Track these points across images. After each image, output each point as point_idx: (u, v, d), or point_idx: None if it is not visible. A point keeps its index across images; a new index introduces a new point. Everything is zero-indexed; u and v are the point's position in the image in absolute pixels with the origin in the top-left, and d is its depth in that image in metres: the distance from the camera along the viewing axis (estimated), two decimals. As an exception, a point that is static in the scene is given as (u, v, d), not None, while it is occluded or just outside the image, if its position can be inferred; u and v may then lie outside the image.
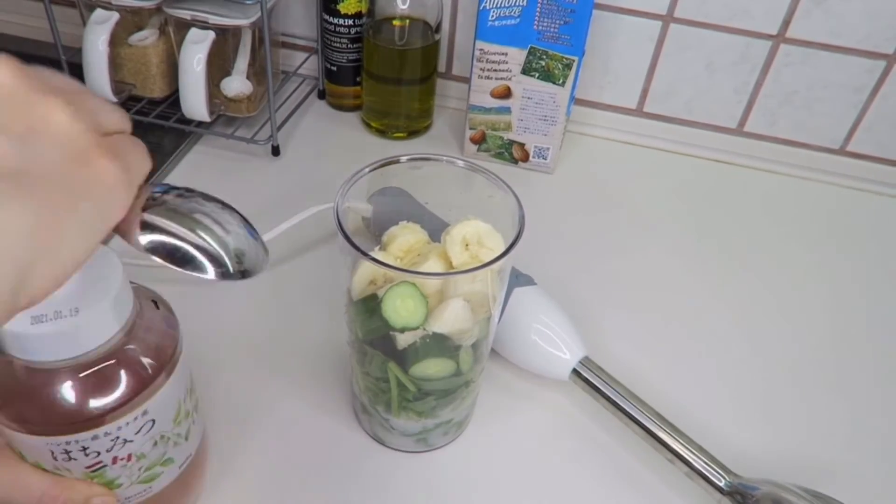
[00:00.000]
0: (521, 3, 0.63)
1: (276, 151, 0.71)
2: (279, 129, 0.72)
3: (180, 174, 0.68)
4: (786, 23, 0.68)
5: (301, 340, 0.54)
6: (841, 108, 0.72)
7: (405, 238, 0.43)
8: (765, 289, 0.63)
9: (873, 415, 0.54)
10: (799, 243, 0.68)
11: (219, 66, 0.69)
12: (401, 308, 0.39)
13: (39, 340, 0.30)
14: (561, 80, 0.67)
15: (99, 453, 0.34)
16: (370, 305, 0.40)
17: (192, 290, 0.57)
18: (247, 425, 0.49)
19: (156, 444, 0.36)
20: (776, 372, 0.56)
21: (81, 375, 0.32)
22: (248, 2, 0.64)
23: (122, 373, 0.33)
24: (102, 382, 0.33)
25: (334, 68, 0.76)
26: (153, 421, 0.35)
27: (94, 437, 0.33)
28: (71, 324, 0.30)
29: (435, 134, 0.77)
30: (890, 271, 0.66)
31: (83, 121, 0.25)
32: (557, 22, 0.63)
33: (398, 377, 0.42)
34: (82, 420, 0.32)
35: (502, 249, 0.39)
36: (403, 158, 0.43)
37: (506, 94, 0.69)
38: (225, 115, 0.72)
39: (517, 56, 0.66)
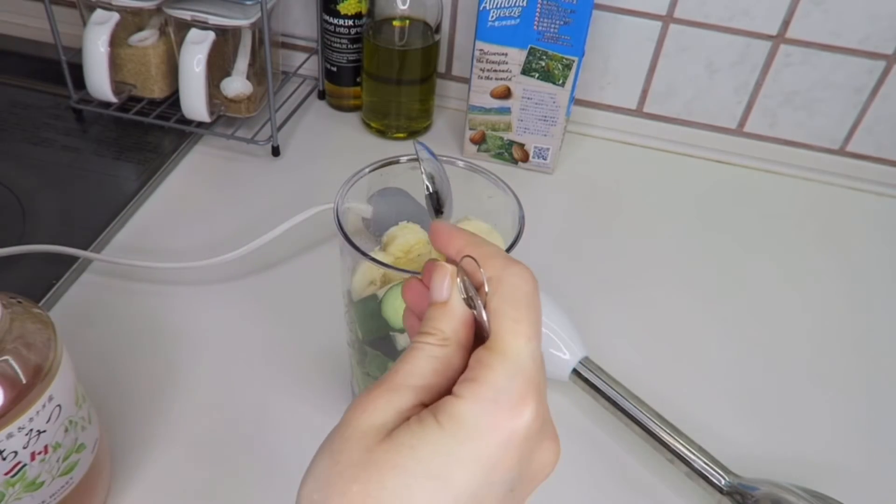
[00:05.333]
0: (521, 4, 0.63)
1: (276, 152, 0.71)
2: (279, 129, 0.72)
3: (180, 174, 0.69)
4: (786, 23, 0.68)
5: (301, 341, 0.54)
6: (841, 108, 0.72)
7: (405, 238, 0.43)
8: (765, 289, 0.63)
9: (873, 415, 0.54)
10: (799, 243, 0.68)
11: (219, 66, 0.69)
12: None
13: None
14: (561, 81, 0.67)
15: (16, 453, 0.34)
16: (370, 306, 0.40)
17: (192, 290, 0.57)
18: (247, 425, 0.49)
19: (66, 430, 0.37)
20: (776, 372, 0.56)
21: None
22: (248, 2, 0.64)
23: (14, 364, 0.34)
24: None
25: (334, 69, 0.76)
26: (59, 406, 0.36)
27: (9, 436, 0.33)
28: None
29: (435, 134, 0.77)
30: (889, 271, 0.66)
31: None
32: (557, 22, 0.63)
33: (398, 377, 0.42)
34: None
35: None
36: (403, 158, 0.43)
37: (506, 94, 0.69)
38: (225, 115, 0.72)
39: (517, 56, 0.66)
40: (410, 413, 0.25)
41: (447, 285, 0.27)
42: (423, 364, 0.26)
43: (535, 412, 0.24)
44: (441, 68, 0.79)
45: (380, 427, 0.24)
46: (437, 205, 0.35)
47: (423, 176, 0.35)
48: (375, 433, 0.24)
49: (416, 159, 0.36)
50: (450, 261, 0.28)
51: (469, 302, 0.27)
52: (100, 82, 0.68)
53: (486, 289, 0.26)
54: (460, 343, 0.26)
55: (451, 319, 0.26)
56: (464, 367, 0.26)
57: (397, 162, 0.43)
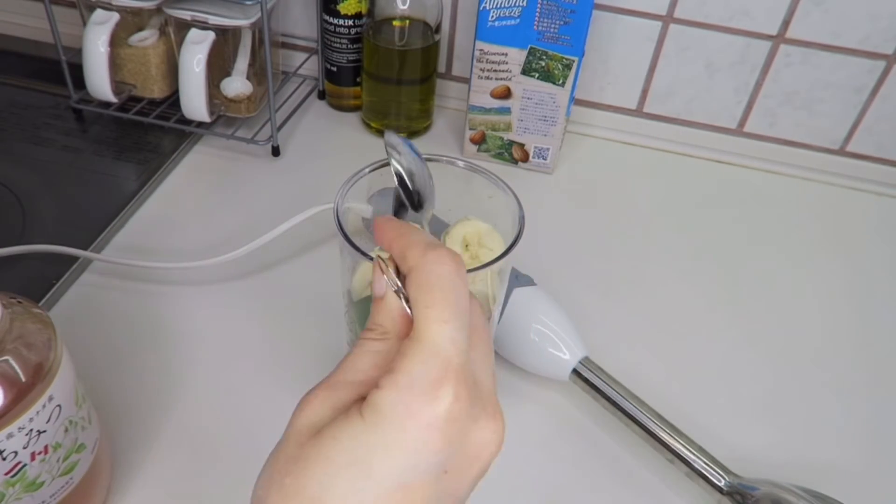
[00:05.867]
0: (521, 4, 0.63)
1: (276, 152, 0.71)
2: (279, 129, 0.72)
3: (180, 175, 0.69)
4: (786, 23, 0.68)
5: (301, 341, 0.54)
6: (841, 108, 0.72)
7: (405, 238, 0.43)
8: (764, 289, 0.63)
9: (873, 415, 0.54)
10: (799, 243, 0.68)
11: (219, 66, 0.69)
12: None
13: None
14: (561, 81, 0.67)
15: (17, 453, 0.34)
16: (370, 306, 0.40)
17: (192, 290, 0.57)
18: (246, 426, 0.49)
19: (66, 430, 0.37)
20: (776, 372, 0.56)
21: None
22: (248, 2, 0.64)
23: (15, 364, 0.34)
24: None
25: (334, 69, 0.76)
26: (59, 406, 0.36)
27: (9, 436, 0.33)
28: None
29: (435, 134, 0.77)
30: (890, 271, 0.66)
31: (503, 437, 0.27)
32: (557, 22, 0.63)
33: (398, 377, 0.42)
34: None
35: (502, 250, 0.39)
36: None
37: (506, 94, 0.69)
38: (225, 115, 0.72)
39: (517, 56, 0.66)
40: (350, 408, 0.25)
41: (382, 281, 0.28)
42: (362, 359, 0.27)
43: (455, 394, 0.24)
44: (441, 68, 0.79)
45: (315, 424, 0.25)
46: (417, 203, 0.34)
47: (401, 171, 0.33)
48: (309, 429, 0.25)
49: (390, 155, 0.34)
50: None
51: (399, 294, 0.27)
52: (100, 82, 0.68)
53: (399, 282, 0.27)
54: (400, 335, 0.27)
55: (388, 313, 0.27)
56: None
57: (397, 162, 0.43)
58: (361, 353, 0.27)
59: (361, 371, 0.26)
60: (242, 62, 0.69)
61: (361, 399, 0.26)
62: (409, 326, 0.27)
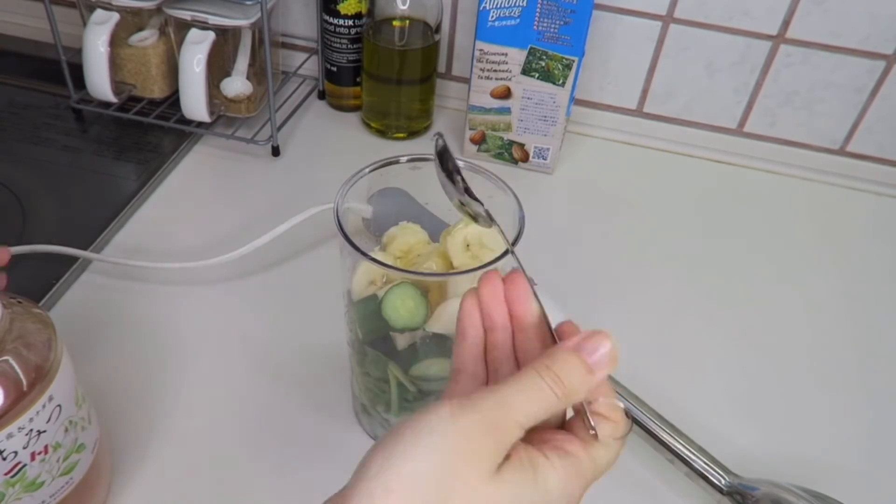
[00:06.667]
0: (521, 4, 0.63)
1: (276, 152, 0.71)
2: (279, 129, 0.72)
3: (181, 174, 0.68)
4: (786, 23, 0.68)
5: (301, 341, 0.54)
6: (841, 108, 0.72)
7: (405, 238, 0.43)
8: (764, 289, 0.63)
9: (873, 415, 0.54)
10: (799, 243, 0.68)
11: (219, 66, 0.69)
12: (401, 308, 0.39)
13: None
14: (561, 81, 0.67)
15: (17, 453, 0.34)
16: (370, 306, 0.40)
17: (192, 290, 0.57)
18: (246, 425, 0.49)
19: (66, 430, 0.37)
20: (776, 372, 0.56)
21: None
22: (248, 2, 0.64)
23: (15, 365, 0.34)
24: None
25: (334, 69, 0.76)
26: (59, 406, 0.36)
27: (9, 436, 0.33)
28: None
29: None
30: (890, 271, 0.66)
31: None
32: (557, 22, 0.63)
33: (398, 378, 0.43)
34: None
35: (503, 250, 0.39)
36: (403, 158, 0.43)
37: (506, 94, 0.69)
38: (225, 115, 0.72)
39: (517, 56, 0.66)
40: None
41: (605, 367, 0.31)
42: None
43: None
44: (441, 68, 0.79)
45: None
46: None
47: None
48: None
49: (463, 190, 0.35)
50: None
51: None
52: (100, 82, 0.68)
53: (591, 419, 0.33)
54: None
55: (583, 384, 0.31)
56: None
57: (397, 162, 0.43)
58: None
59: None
60: (242, 62, 0.69)
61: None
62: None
